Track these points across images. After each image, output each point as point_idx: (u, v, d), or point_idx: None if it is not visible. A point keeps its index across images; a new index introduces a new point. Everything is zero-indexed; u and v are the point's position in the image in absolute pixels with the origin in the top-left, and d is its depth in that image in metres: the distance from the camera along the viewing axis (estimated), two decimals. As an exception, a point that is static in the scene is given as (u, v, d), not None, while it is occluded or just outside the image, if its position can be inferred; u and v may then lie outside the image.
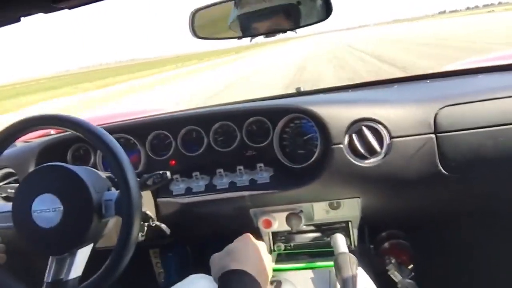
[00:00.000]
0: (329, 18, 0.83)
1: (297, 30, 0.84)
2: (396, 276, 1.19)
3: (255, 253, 0.70)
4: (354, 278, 0.82)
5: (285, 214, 1.06)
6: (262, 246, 0.78)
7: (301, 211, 1.06)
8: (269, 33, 0.83)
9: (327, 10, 0.83)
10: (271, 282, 0.84)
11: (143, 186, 0.84)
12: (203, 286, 0.86)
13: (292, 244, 1.11)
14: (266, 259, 0.74)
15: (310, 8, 0.84)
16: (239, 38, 0.85)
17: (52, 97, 19.33)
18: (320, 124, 1.00)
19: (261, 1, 0.80)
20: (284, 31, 0.84)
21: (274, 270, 0.98)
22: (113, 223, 0.86)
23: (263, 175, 1.06)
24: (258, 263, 0.69)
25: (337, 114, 0.99)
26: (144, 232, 0.95)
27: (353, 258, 0.87)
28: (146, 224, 0.95)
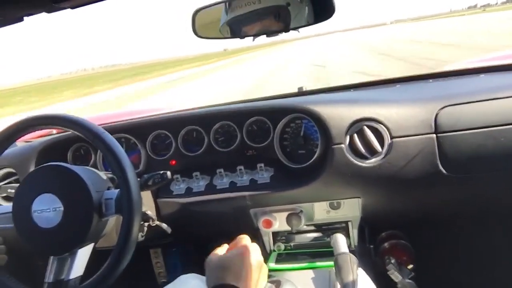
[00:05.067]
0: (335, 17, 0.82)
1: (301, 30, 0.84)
2: (396, 276, 1.18)
3: (251, 268, 0.71)
4: (354, 278, 0.81)
5: (285, 214, 1.06)
6: (257, 251, 0.78)
7: (302, 211, 1.06)
8: (261, 35, 0.83)
9: (327, 11, 0.82)
10: (272, 282, 0.84)
11: (143, 186, 0.84)
12: (194, 286, 0.86)
13: (292, 244, 1.11)
14: (261, 272, 0.74)
15: (300, 9, 0.83)
16: (241, 37, 0.85)
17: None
18: (320, 124, 1.00)
19: (250, 4, 0.80)
20: (276, 33, 0.84)
21: (275, 270, 0.98)
22: (113, 222, 0.86)
23: (264, 175, 1.06)
24: (253, 280, 0.70)
25: (338, 114, 0.99)
26: (144, 232, 0.95)
27: (353, 258, 0.87)
28: (146, 224, 0.95)
